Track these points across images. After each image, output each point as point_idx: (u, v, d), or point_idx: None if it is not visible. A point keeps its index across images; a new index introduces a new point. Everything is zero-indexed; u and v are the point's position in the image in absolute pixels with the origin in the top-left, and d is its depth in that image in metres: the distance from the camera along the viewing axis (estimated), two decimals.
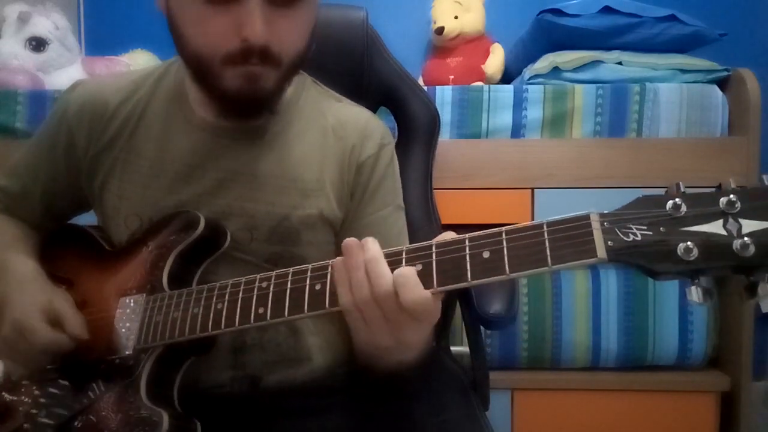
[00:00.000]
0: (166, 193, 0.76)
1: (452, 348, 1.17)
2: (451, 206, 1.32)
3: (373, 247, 0.55)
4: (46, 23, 1.66)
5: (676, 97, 1.42)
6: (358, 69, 1.07)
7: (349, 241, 0.56)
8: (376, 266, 0.54)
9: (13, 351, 0.70)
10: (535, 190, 1.41)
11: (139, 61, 1.75)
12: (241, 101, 0.68)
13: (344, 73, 1.04)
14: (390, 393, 0.77)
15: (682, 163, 1.40)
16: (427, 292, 0.52)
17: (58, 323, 0.68)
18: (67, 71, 1.67)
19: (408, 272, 0.53)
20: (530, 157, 1.41)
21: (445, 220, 1.13)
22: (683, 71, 1.46)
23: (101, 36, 1.97)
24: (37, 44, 1.64)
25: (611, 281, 1.46)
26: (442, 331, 1.14)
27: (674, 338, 1.44)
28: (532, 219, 1.40)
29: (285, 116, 0.79)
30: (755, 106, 1.38)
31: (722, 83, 1.45)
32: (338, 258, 0.57)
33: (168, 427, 0.61)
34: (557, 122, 1.43)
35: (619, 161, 1.41)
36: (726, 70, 1.45)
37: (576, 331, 1.45)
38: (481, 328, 1.01)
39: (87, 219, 0.88)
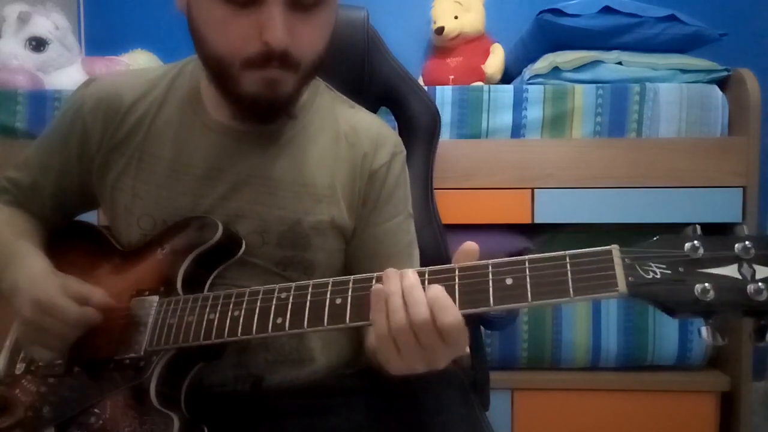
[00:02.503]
0: (181, 194, 0.76)
1: None
2: (451, 206, 1.32)
3: (411, 275, 0.55)
4: (46, 23, 1.66)
5: (676, 97, 1.42)
6: (359, 69, 1.07)
7: (390, 270, 0.56)
8: (413, 292, 0.54)
9: (39, 333, 0.68)
10: (535, 190, 1.41)
11: (139, 61, 1.75)
12: (259, 105, 0.68)
13: (345, 73, 1.04)
14: (391, 393, 0.77)
15: (682, 163, 1.40)
16: (459, 314, 0.53)
17: (82, 299, 0.68)
18: (67, 71, 1.67)
19: (442, 294, 0.53)
20: (530, 157, 1.41)
21: (445, 220, 1.14)
22: (683, 71, 1.46)
23: (101, 36, 1.97)
24: (37, 44, 1.64)
25: None
26: None
27: (674, 338, 1.44)
28: (532, 219, 1.41)
29: (299, 120, 0.78)
30: (755, 106, 1.38)
31: (722, 83, 1.45)
32: (377, 284, 0.57)
33: (178, 431, 0.61)
34: (557, 122, 1.43)
35: (619, 161, 1.41)
36: (726, 70, 1.45)
37: (576, 331, 1.45)
38: (481, 328, 1.01)
39: (90, 218, 0.88)
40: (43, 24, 1.65)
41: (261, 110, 0.69)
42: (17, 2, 1.67)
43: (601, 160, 1.41)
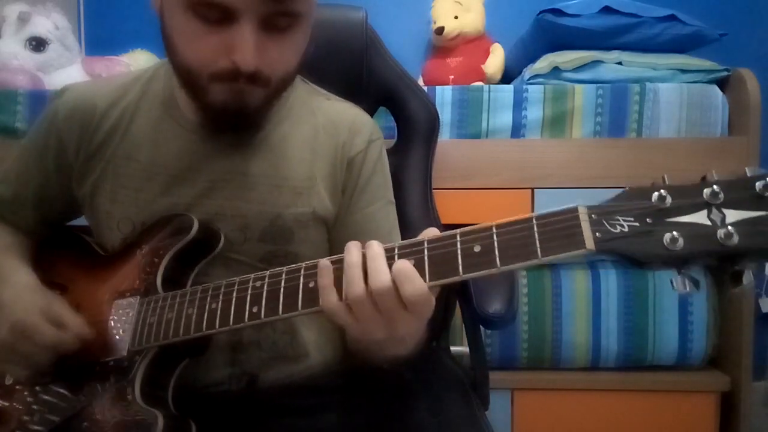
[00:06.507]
0: (159, 196, 0.76)
1: (452, 348, 1.17)
2: (451, 206, 1.32)
3: (375, 246, 0.55)
4: (46, 23, 1.66)
5: (676, 97, 1.42)
6: (358, 69, 1.07)
7: (351, 243, 0.56)
8: (374, 263, 0.54)
9: (14, 353, 0.69)
10: (535, 190, 1.41)
11: (139, 61, 1.75)
12: (227, 115, 0.68)
13: (344, 73, 1.04)
14: (389, 392, 0.77)
15: (682, 163, 1.39)
16: (426, 285, 0.53)
17: (60, 325, 0.68)
18: (67, 71, 1.67)
19: (408, 267, 0.53)
20: (530, 157, 1.41)
21: (445, 220, 1.13)
22: (683, 71, 1.46)
23: (101, 36, 1.97)
24: (37, 44, 1.64)
25: (611, 281, 1.46)
26: (442, 331, 1.14)
27: (674, 338, 1.44)
28: None
29: (275, 116, 0.79)
30: (755, 106, 1.38)
31: (722, 83, 1.45)
32: (324, 260, 0.57)
33: (163, 428, 0.61)
34: (557, 122, 1.43)
35: (619, 161, 1.41)
36: (726, 70, 1.45)
37: (576, 331, 1.45)
38: (481, 327, 1.01)
39: (80, 223, 0.88)
40: (43, 24, 1.65)
41: (228, 120, 0.69)
42: (17, 2, 1.67)
43: (601, 160, 1.41)
